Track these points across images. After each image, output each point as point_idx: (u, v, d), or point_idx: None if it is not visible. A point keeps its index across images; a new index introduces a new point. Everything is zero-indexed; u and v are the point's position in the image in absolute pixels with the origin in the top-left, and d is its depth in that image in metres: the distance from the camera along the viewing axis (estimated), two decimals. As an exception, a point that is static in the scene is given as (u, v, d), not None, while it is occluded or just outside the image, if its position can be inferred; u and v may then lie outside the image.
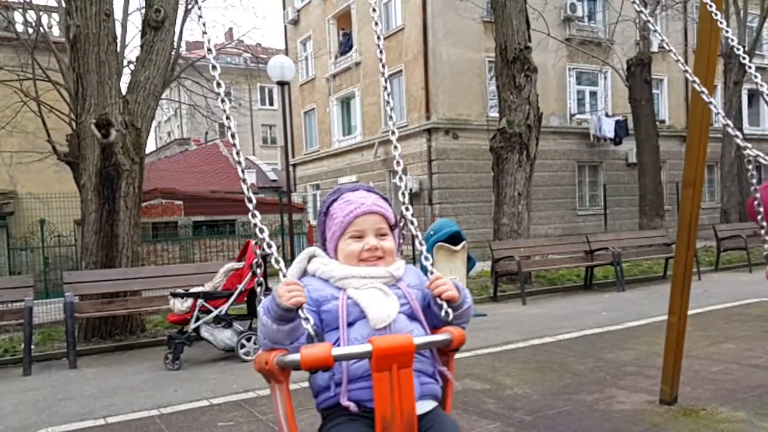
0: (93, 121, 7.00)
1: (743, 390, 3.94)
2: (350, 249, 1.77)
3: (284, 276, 1.60)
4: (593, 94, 21.16)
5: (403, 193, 1.87)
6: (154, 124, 20.50)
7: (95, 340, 7.28)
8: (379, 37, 2.06)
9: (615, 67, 17.67)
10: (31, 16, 13.11)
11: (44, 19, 13.95)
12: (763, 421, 3.36)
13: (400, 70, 19.47)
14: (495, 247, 9.42)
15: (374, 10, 2.08)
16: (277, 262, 1.62)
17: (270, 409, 4.22)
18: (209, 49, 1.79)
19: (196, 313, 5.89)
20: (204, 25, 1.87)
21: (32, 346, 6.30)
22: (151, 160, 24.41)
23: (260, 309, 1.58)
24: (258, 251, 1.71)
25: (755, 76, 2.49)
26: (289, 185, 11.10)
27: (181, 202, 17.70)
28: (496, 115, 11.73)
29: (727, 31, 2.69)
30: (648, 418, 3.53)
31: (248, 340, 6.01)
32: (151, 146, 34.43)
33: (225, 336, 5.99)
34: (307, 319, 1.53)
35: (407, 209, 1.85)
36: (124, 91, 7.80)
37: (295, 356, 1.46)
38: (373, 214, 1.80)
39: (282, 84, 10.64)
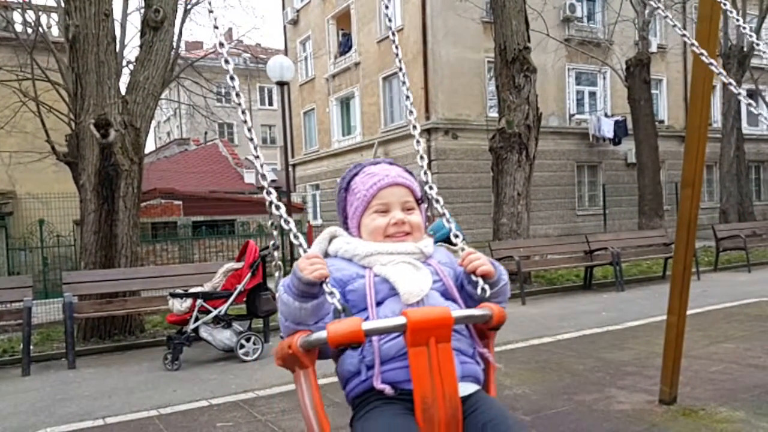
0: (92, 121, 6.99)
1: (742, 390, 3.94)
2: (375, 224, 1.64)
3: (304, 252, 1.47)
4: (592, 94, 21.17)
5: (430, 186, 1.75)
6: (154, 124, 20.51)
7: (94, 340, 7.27)
8: (393, 33, 1.96)
9: (614, 67, 17.68)
10: (30, 16, 13.10)
11: (43, 19, 13.92)
12: (761, 420, 3.36)
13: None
14: (494, 247, 9.42)
15: (387, 6, 2.03)
16: (296, 237, 1.50)
17: (269, 410, 4.22)
18: (221, 43, 1.71)
19: (195, 313, 5.89)
20: (215, 19, 1.78)
21: (31, 347, 6.30)
22: (151, 160, 24.41)
23: (280, 288, 1.46)
24: (275, 230, 1.64)
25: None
26: (288, 185, 11.09)
27: (180, 202, 17.68)
28: (496, 115, 11.74)
29: (737, 20, 2.62)
30: (647, 418, 3.53)
31: (247, 340, 6.01)
32: (150, 146, 34.45)
33: (224, 336, 5.99)
34: (332, 293, 1.41)
35: (431, 188, 1.73)
36: (123, 91, 7.79)
37: (321, 333, 1.34)
38: (399, 186, 1.68)
39: (281, 84, 10.64)
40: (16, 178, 15.10)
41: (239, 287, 6.03)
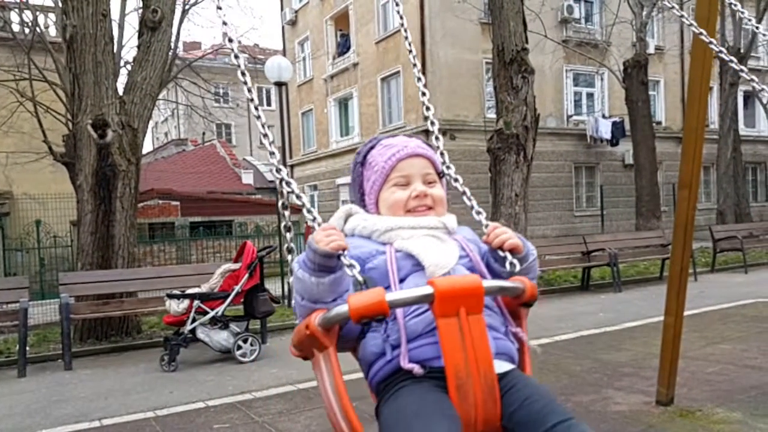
0: (89, 121, 6.98)
1: (739, 391, 3.95)
2: (395, 197, 1.54)
3: (318, 225, 1.38)
4: (590, 95, 21.20)
5: (448, 166, 1.66)
6: (151, 124, 20.48)
7: (91, 341, 7.26)
8: (406, 30, 1.90)
9: (612, 68, 17.70)
10: (28, 16, 13.08)
11: (41, 19, 13.92)
12: (758, 421, 3.36)
13: (398, 71, 19.48)
14: (492, 248, 9.41)
15: (397, 4, 1.97)
16: (309, 211, 1.42)
17: (266, 411, 4.21)
18: (230, 39, 1.65)
19: (192, 314, 5.88)
20: (224, 15, 1.71)
21: (27, 348, 6.28)
22: (148, 160, 24.36)
23: (294, 264, 1.37)
24: (286, 210, 1.58)
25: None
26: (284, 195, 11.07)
27: (177, 203, 17.65)
28: (494, 116, 11.74)
29: (742, 12, 2.58)
30: (644, 419, 3.53)
31: (245, 341, 6.00)
32: (148, 147, 34.36)
33: (221, 337, 5.98)
34: (351, 265, 1.31)
35: (448, 167, 1.64)
36: (120, 91, 7.79)
37: (342, 307, 1.24)
38: (419, 158, 1.58)
39: (279, 85, 10.62)
40: (12, 178, 15.07)
41: (236, 288, 6.02)
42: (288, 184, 1.47)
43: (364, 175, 1.63)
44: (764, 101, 20.53)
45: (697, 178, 3.45)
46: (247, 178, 26.28)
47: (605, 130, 19.99)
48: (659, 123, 21.38)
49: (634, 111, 15.88)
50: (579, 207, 20.84)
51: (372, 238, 1.50)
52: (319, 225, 1.38)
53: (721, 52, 2.55)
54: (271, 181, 28.07)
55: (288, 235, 1.55)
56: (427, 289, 1.23)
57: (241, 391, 4.82)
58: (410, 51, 1.87)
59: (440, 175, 1.61)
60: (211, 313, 5.93)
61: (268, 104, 40.23)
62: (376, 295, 1.21)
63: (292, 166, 25.26)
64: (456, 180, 1.66)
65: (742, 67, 2.59)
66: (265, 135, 1.53)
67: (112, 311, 6.88)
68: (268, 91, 39.41)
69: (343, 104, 23.40)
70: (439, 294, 1.22)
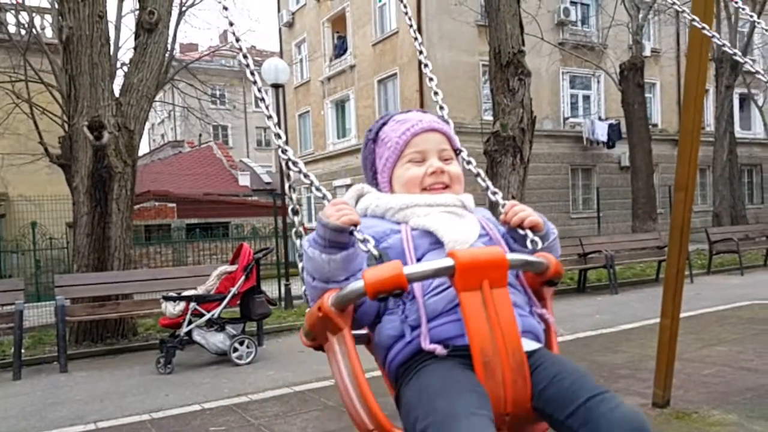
0: (85, 123, 6.97)
1: (735, 393, 3.95)
2: (410, 174, 1.47)
3: (328, 201, 1.33)
4: (586, 97, 21.25)
5: (466, 162, 1.59)
6: (148, 126, 20.43)
7: (86, 343, 7.23)
8: (416, 31, 1.86)
9: (608, 71, 17.75)
10: (24, 17, 13.04)
11: (37, 20, 13.86)
12: (754, 423, 3.36)
13: (395, 74, 19.50)
14: (488, 250, 9.42)
15: (405, 6, 1.92)
16: (318, 189, 1.39)
17: (262, 414, 4.20)
18: (237, 38, 1.62)
19: (188, 316, 5.86)
20: (230, 15, 1.68)
21: (22, 350, 6.25)
22: (145, 162, 24.33)
23: (304, 242, 1.31)
24: (294, 192, 1.54)
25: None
26: (283, 188, 11.07)
27: (174, 205, 17.64)
28: (490, 118, 11.76)
29: (743, 8, 2.58)
30: (640, 422, 3.53)
31: (241, 343, 5.98)
32: (144, 148, 34.32)
33: (217, 340, 5.96)
34: (365, 240, 1.24)
35: (462, 150, 1.57)
36: (117, 93, 7.76)
37: (356, 283, 1.17)
38: (435, 132, 1.51)
39: (276, 86, 10.61)
40: (8, 180, 15.02)
41: (233, 290, 6.01)
42: (295, 164, 1.43)
43: (376, 153, 1.56)
44: (760, 103, 20.62)
45: (693, 180, 3.46)
46: (244, 180, 26.27)
47: (601, 133, 20.04)
48: (655, 125, 21.44)
49: (631, 113, 15.92)
50: (575, 209, 20.88)
51: (386, 217, 1.43)
52: (329, 202, 1.32)
53: (724, 45, 2.55)
54: (268, 183, 28.08)
55: (296, 219, 1.47)
56: (448, 261, 1.16)
57: (237, 393, 4.81)
58: (420, 52, 1.83)
59: (457, 152, 1.54)
60: (207, 316, 5.91)
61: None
62: (394, 268, 1.13)
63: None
64: (469, 162, 1.59)
65: (747, 60, 2.59)
66: (269, 116, 1.50)
67: (107, 313, 6.86)
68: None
69: (340, 106, 23.40)
70: (460, 266, 1.15)
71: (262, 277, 6.52)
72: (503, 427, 1.19)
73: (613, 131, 19.93)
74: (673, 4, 2.67)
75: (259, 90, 1.53)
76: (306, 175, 1.40)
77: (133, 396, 5.00)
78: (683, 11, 2.64)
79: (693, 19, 2.60)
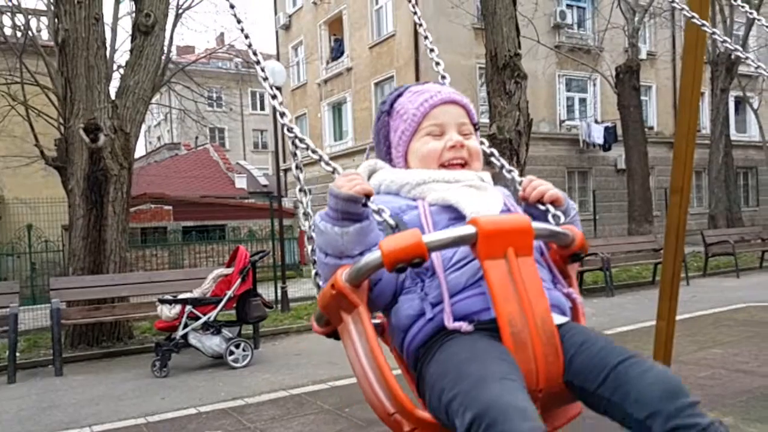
0: (81, 125, 6.95)
1: (731, 395, 3.95)
2: (428, 148, 1.39)
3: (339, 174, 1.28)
4: (582, 100, 21.31)
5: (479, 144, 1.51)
6: (144, 128, 20.39)
7: (82, 347, 7.20)
8: (425, 30, 1.82)
9: (604, 74, 17.80)
10: (20, 19, 13.01)
11: (33, 22, 13.84)
12: (750, 426, 3.37)
13: (392, 76, 19.52)
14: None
15: (413, 6, 1.90)
16: (328, 164, 1.35)
17: (258, 417, 4.19)
18: (246, 35, 1.61)
19: (184, 319, 5.84)
20: (236, 13, 1.67)
21: (17, 354, 6.23)
22: (141, 164, 24.27)
23: (316, 217, 1.26)
24: (301, 172, 1.51)
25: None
26: (279, 190, 11.06)
27: (170, 207, 17.59)
28: (487, 121, 11.77)
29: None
30: (637, 424, 3.53)
31: (237, 346, 5.97)
32: (140, 151, 34.28)
33: (213, 343, 5.95)
34: (380, 210, 1.19)
35: (479, 126, 1.52)
36: (113, 95, 7.75)
37: (372, 254, 1.09)
38: (454, 105, 1.44)
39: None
40: (4, 182, 14.97)
41: (229, 293, 5.99)
42: (302, 140, 1.39)
43: (390, 126, 1.47)
44: (755, 106, 20.70)
45: (688, 183, 3.47)
46: (240, 183, 26.25)
47: (598, 135, 20.09)
48: (651, 128, 21.50)
49: (627, 116, 15.96)
50: (572, 211, 20.90)
51: (401, 193, 1.35)
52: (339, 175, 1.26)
53: (725, 41, 2.54)
54: (265, 185, 28.06)
55: (305, 200, 1.43)
56: (469, 228, 1.09)
57: (233, 397, 4.79)
58: (431, 50, 1.78)
59: (476, 127, 1.47)
60: (203, 318, 5.90)
61: (262, 109, 40.22)
62: (412, 236, 1.06)
63: (285, 170, 25.22)
64: (482, 143, 1.55)
65: (727, 39, 2.58)
66: (274, 96, 1.48)
67: (103, 316, 6.83)
68: (261, 96, 39.42)
69: (337, 109, 23.41)
70: (483, 232, 1.08)
71: (259, 280, 6.52)
72: (536, 405, 1.09)
73: (609, 134, 19.99)
74: (673, 1, 2.67)
75: (263, 70, 1.51)
76: (314, 151, 1.37)
77: (128, 399, 4.98)
78: (682, 9, 2.63)
79: (692, 16, 2.59)
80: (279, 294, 9.47)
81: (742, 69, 18.47)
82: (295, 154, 1.44)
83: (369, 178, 1.43)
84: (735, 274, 11.18)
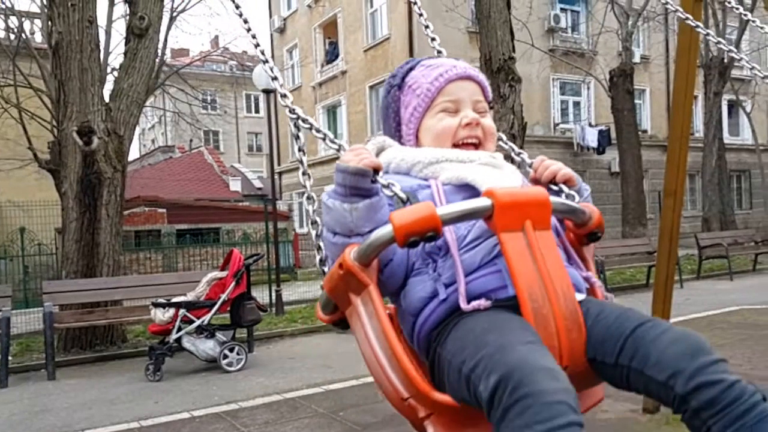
0: (75, 128, 6.92)
1: (725, 398, 3.96)
2: (443, 125, 1.33)
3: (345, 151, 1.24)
4: (577, 104, 21.38)
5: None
6: (138, 131, 20.33)
7: (75, 350, 7.16)
8: (432, 31, 1.81)
9: (598, 77, 17.88)
10: (13, 21, 12.97)
11: (26, 25, 13.79)
12: (744, 429, 3.37)
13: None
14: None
15: (417, 5, 1.87)
16: (333, 141, 1.32)
17: (252, 421, 4.17)
18: (254, 36, 1.59)
19: (177, 323, 5.82)
20: (241, 12, 1.64)
21: (9, 358, 6.18)
22: (135, 167, 24.20)
23: (324, 196, 1.22)
24: (303, 155, 1.49)
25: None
26: (274, 193, 11.05)
27: (164, 210, 17.52)
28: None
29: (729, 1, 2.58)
30: (631, 427, 3.53)
31: (231, 350, 5.94)
32: (134, 154, 34.18)
33: (207, 346, 5.92)
34: (390, 185, 1.15)
35: (492, 105, 1.52)
36: (107, 98, 7.73)
37: (382, 228, 1.04)
38: (470, 81, 1.38)
39: (267, 92, 10.61)
40: (-4, 185, 14.88)
41: (223, 296, 5.97)
42: (305, 120, 1.35)
43: (401, 101, 1.40)
44: (748, 110, 20.82)
45: (681, 186, 3.48)
46: (235, 185, 26.18)
47: (592, 139, 20.17)
48: (645, 131, 21.60)
49: (620, 119, 16.03)
50: (566, 214, 20.96)
51: (411, 173, 1.29)
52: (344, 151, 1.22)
53: (719, 42, 2.56)
54: (259, 188, 28.01)
55: (308, 183, 1.39)
56: (485, 200, 1.04)
57: (227, 401, 4.77)
58: (439, 52, 1.74)
59: (490, 105, 1.42)
60: (197, 322, 5.88)
61: (257, 111, 40.19)
62: (426, 208, 1.01)
63: (280, 173, 25.20)
64: (506, 142, 1.54)
65: (720, 39, 2.59)
66: (275, 78, 1.46)
67: (96, 320, 6.80)
68: (256, 98, 39.39)
69: (332, 112, 23.41)
70: (499, 204, 1.03)
71: (253, 283, 6.49)
72: None
73: (603, 137, 20.06)
74: (666, 3, 2.67)
75: (262, 53, 1.49)
76: (318, 130, 1.34)
77: (121, 403, 4.95)
78: (677, 10, 2.64)
79: (686, 18, 2.60)
80: (273, 297, 9.44)
81: (734, 73, 18.59)
82: (297, 137, 1.41)
83: (378, 154, 1.37)
84: (728, 277, 11.22)
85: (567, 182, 1.31)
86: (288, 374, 5.61)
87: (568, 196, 1.27)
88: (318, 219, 1.33)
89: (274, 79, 1.42)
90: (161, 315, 5.87)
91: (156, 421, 4.34)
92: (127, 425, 4.29)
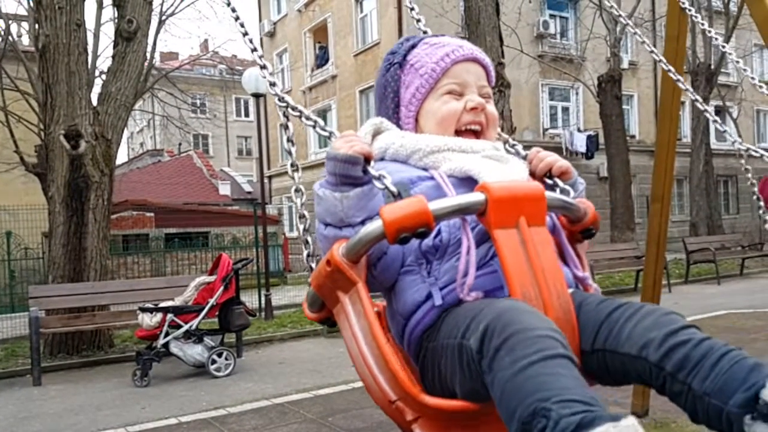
0: (62, 132, 6.87)
1: (712, 402, 3.98)
2: (448, 108, 1.26)
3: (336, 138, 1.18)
4: (565, 109, 21.52)
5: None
6: (127, 134, 20.21)
7: (61, 356, 7.09)
8: (419, 20, 1.78)
9: (586, 83, 18.01)
10: (0, 24, 12.85)
11: (13, 27, 13.68)
12: (731, 432, 3.39)
13: (376, 84, 19.58)
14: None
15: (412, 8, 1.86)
16: (324, 129, 1.26)
17: (240, 427, 4.14)
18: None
19: (165, 328, 5.78)
20: (237, 15, 1.61)
21: (-6, 363, 6.11)
22: (123, 171, 24.03)
23: (315, 185, 1.17)
24: (291, 144, 1.47)
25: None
26: (263, 197, 11.01)
27: (152, 214, 17.40)
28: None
29: (709, 32, 2.66)
30: None
31: (219, 355, 5.91)
32: (122, 157, 33.96)
33: (195, 351, 5.88)
34: (381, 176, 1.10)
35: (494, 89, 1.43)
36: (95, 101, 7.68)
37: (372, 224, 1.01)
38: (476, 64, 1.32)
39: (257, 96, 10.58)
40: (-18, 189, 14.71)
41: (211, 301, 5.94)
42: (294, 108, 1.30)
43: (402, 80, 1.32)
44: (734, 116, 21.05)
45: (669, 191, 3.51)
46: (224, 189, 26.08)
47: (580, 144, 20.30)
48: (633, 136, 21.77)
49: (609, 125, 16.14)
50: (555, 219, 21.06)
51: (410, 161, 1.22)
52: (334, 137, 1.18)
53: (687, 90, 2.62)
54: (249, 192, 27.91)
55: (296, 176, 1.36)
56: (478, 195, 1.01)
57: (215, 406, 4.74)
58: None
59: (493, 90, 1.37)
60: (185, 327, 5.84)
61: (246, 115, 40.10)
62: (417, 203, 0.97)
63: (269, 177, 25.14)
64: (507, 141, 1.48)
65: (708, 107, 2.65)
66: (263, 66, 1.42)
67: (83, 325, 6.73)
68: (246, 102, 39.30)
69: (322, 116, 23.39)
70: (493, 200, 1.00)
71: (242, 288, 6.46)
72: None
73: (592, 142, 20.20)
74: (643, 42, 2.73)
75: (251, 42, 1.46)
76: (308, 117, 1.28)
77: (108, 409, 4.91)
78: (652, 51, 2.70)
79: (661, 60, 2.66)
80: (262, 302, 9.40)
81: (721, 79, 18.81)
82: (287, 126, 1.36)
83: (373, 138, 1.31)
84: (716, 281, 11.31)
85: (563, 175, 1.26)
86: (277, 379, 5.59)
87: (563, 191, 1.23)
88: (305, 213, 1.30)
89: (263, 67, 1.38)
90: (148, 320, 5.82)
91: (143, 427, 4.30)
92: (113, 431, 4.24)
